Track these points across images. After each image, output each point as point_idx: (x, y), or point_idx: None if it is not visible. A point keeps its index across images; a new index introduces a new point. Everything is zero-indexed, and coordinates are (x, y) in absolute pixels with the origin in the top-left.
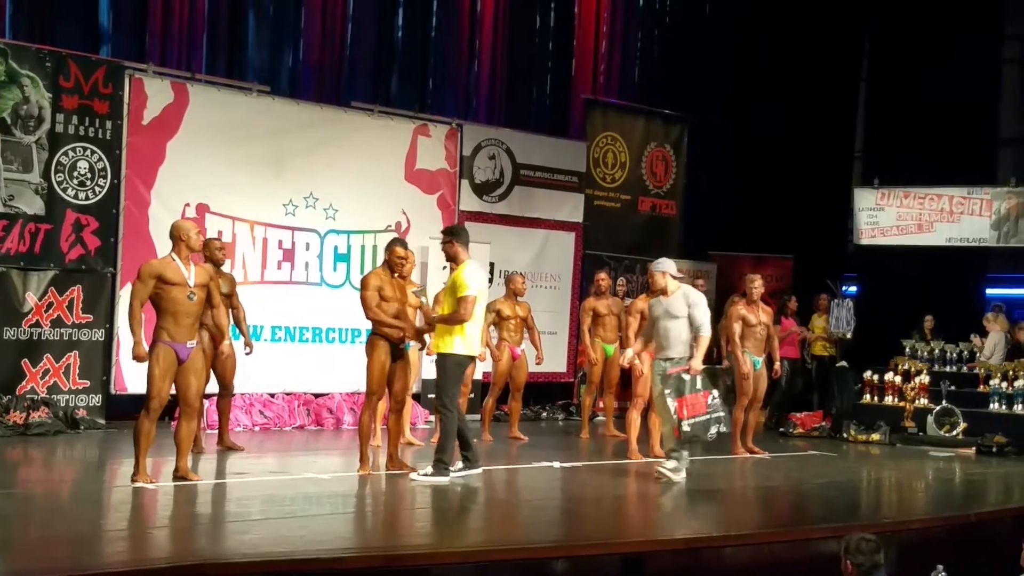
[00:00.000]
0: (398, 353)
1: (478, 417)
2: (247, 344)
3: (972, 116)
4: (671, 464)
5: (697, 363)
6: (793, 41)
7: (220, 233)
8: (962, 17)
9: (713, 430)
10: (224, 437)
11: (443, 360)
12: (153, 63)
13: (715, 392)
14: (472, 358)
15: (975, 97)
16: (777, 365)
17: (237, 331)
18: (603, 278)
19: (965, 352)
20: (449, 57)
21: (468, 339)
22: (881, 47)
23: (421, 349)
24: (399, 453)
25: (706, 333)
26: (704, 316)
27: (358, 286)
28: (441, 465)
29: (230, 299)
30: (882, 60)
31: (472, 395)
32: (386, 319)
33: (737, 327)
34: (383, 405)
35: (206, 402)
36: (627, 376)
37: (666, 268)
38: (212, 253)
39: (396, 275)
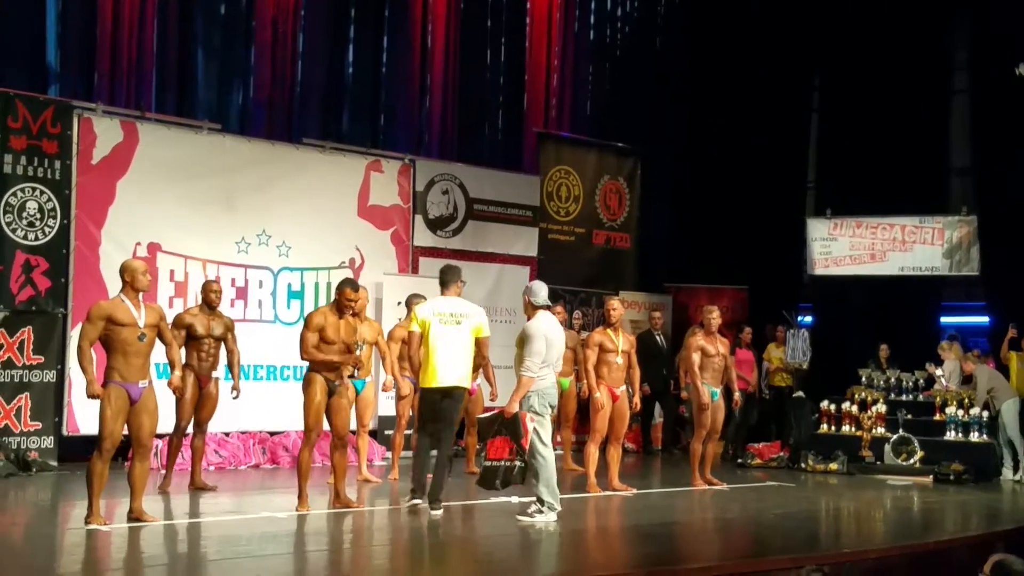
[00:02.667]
0: (334, 390)
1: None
2: (235, 387)
3: (923, 146)
4: (533, 508)
5: (511, 406)
6: (744, 73)
7: (172, 272)
8: (911, 48)
9: (499, 481)
10: (196, 478)
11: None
12: (102, 102)
13: (520, 445)
14: (436, 390)
15: (925, 127)
16: (737, 396)
17: (229, 373)
18: (559, 311)
19: (921, 380)
20: (400, 92)
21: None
22: (831, 78)
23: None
24: (346, 490)
25: (525, 373)
26: (527, 354)
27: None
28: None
29: (224, 341)
30: (833, 91)
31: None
32: (321, 357)
33: (696, 358)
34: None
35: (158, 442)
36: (585, 409)
37: (529, 293)
38: (207, 296)
39: (346, 315)
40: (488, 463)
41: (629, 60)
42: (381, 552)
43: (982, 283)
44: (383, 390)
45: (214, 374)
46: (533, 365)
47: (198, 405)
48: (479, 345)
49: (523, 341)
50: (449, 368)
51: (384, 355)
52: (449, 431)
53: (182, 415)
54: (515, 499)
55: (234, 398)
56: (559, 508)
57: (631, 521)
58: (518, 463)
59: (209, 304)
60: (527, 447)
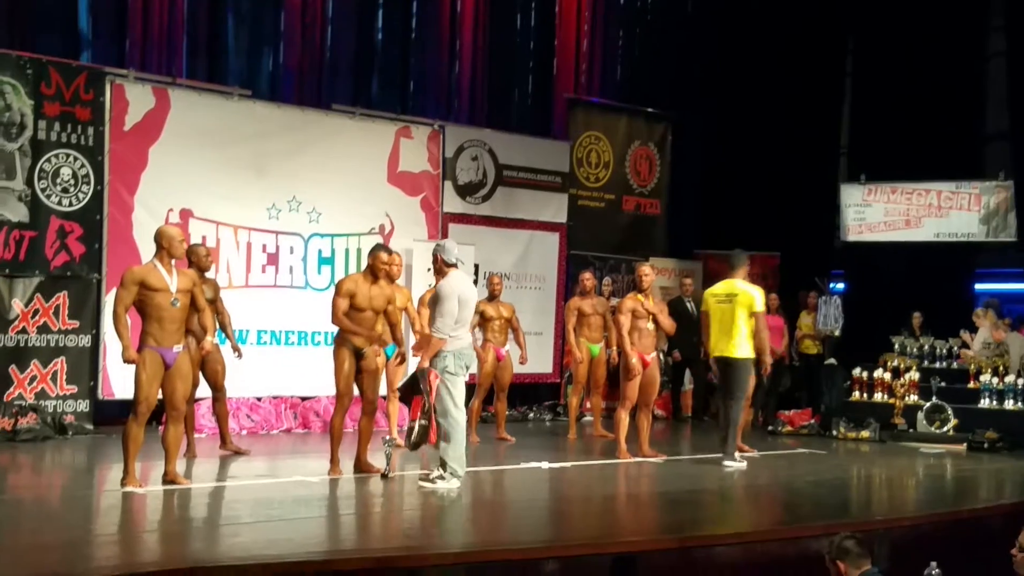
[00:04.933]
0: (364, 356)
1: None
2: (235, 348)
3: (959, 110)
4: (435, 473)
5: (421, 364)
6: (777, 36)
7: (204, 238)
8: (946, 10)
9: (412, 441)
10: (227, 440)
11: None
12: (134, 69)
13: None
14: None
15: (961, 91)
16: (767, 363)
17: (223, 336)
18: (588, 278)
19: (955, 348)
20: (430, 58)
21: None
22: (866, 42)
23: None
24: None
25: (436, 334)
26: (438, 314)
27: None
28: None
29: (214, 304)
30: (867, 55)
31: None
32: (350, 327)
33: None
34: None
35: (198, 405)
36: (615, 376)
37: (440, 251)
38: (198, 259)
39: (379, 280)
40: (409, 423)
41: (660, 25)
42: (411, 516)
43: (1019, 249)
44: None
45: (212, 338)
46: (444, 326)
47: (207, 372)
48: None
49: (434, 301)
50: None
51: (414, 321)
52: None
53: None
54: (545, 465)
55: (237, 358)
56: (462, 474)
57: (661, 487)
58: (420, 422)
59: (200, 268)
60: (433, 406)
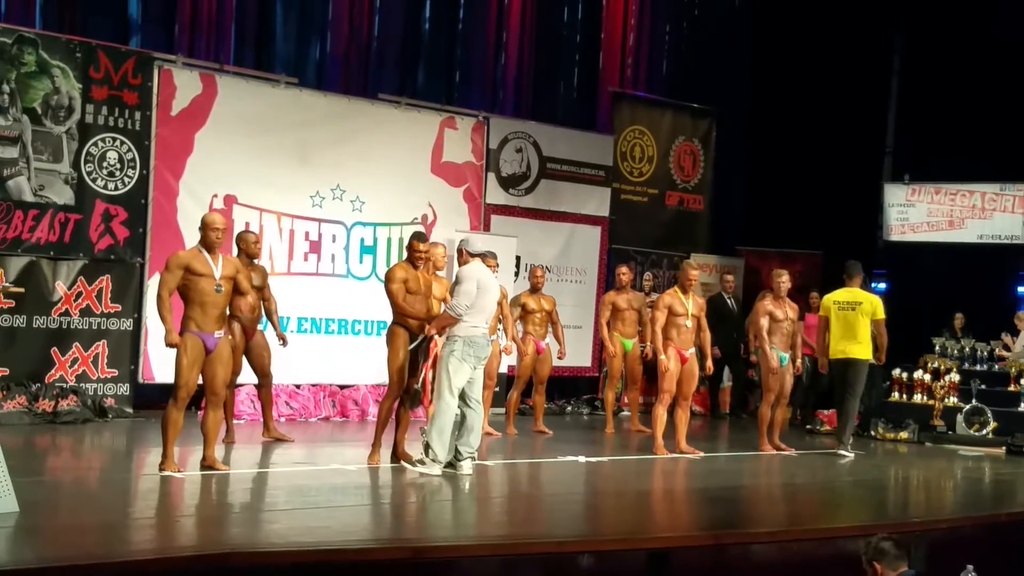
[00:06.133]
0: (419, 344)
1: (503, 411)
2: (280, 336)
3: (1005, 112)
4: (417, 456)
5: (430, 330)
6: (824, 35)
7: (247, 225)
8: (995, 11)
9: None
10: (270, 427)
11: None
12: (182, 54)
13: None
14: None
15: (1008, 93)
16: (799, 362)
17: (269, 323)
18: (624, 272)
19: (996, 350)
20: (476, 49)
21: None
22: (913, 41)
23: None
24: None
25: (448, 310)
26: (455, 294)
27: (383, 278)
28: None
29: (262, 291)
30: (914, 54)
31: (497, 389)
32: (412, 312)
33: (764, 322)
34: None
35: (238, 391)
36: (653, 371)
37: (465, 244)
38: (247, 246)
39: (420, 268)
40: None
41: (706, 20)
42: (447, 507)
43: None
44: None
45: (258, 326)
46: (458, 305)
47: (252, 358)
48: None
49: (455, 283)
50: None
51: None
52: None
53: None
54: (582, 458)
55: (282, 346)
56: (444, 461)
57: (698, 484)
58: (416, 387)
59: (249, 255)
60: (427, 373)
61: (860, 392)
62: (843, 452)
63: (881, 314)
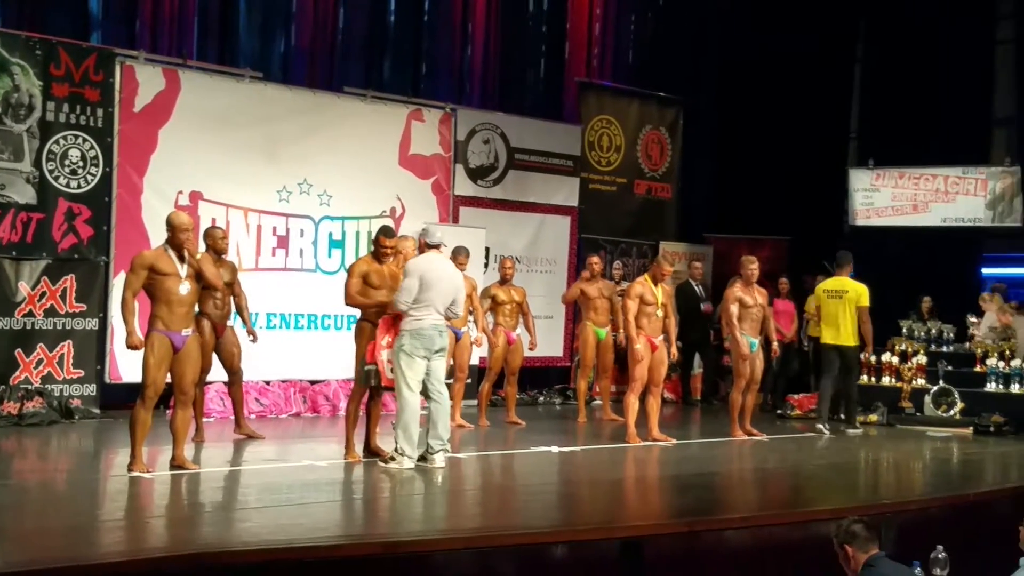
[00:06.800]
0: None
1: (475, 402)
2: (250, 332)
3: (967, 97)
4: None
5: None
6: (788, 22)
7: (214, 220)
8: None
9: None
10: (241, 424)
11: None
12: (144, 50)
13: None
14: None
15: (969, 78)
16: (775, 346)
17: (239, 319)
18: (596, 262)
19: (970, 329)
20: (442, 41)
21: None
22: (876, 28)
23: None
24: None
25: (393, 306)
26: (399, 288)
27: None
28: None
29: (231, 287)
30: (878, 41)
31: (469, 380)
32: (365, 302)
33: (734, 309)
34: None
35: (207, 389)
36: (624, 360)
37: (424, 234)
38: (214, 242)
39: (386, 263)
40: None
41: (671, 8)
42: (420, 501)
43: None
44: None
45: (228, 322)
46: (399, 300)
47: (223, 355)
48: None
49: (403, 276)
50: None
51: None
52: None
53: (203, 365)
54: (555, 448)
55: (252, 342)
56: (415, 456)
57: (671, 471)
58: (368, 366)
59: (216, 251)
60: (380, 357)
61: (857, 375)
62: (851, 431)
63: (864, 302)
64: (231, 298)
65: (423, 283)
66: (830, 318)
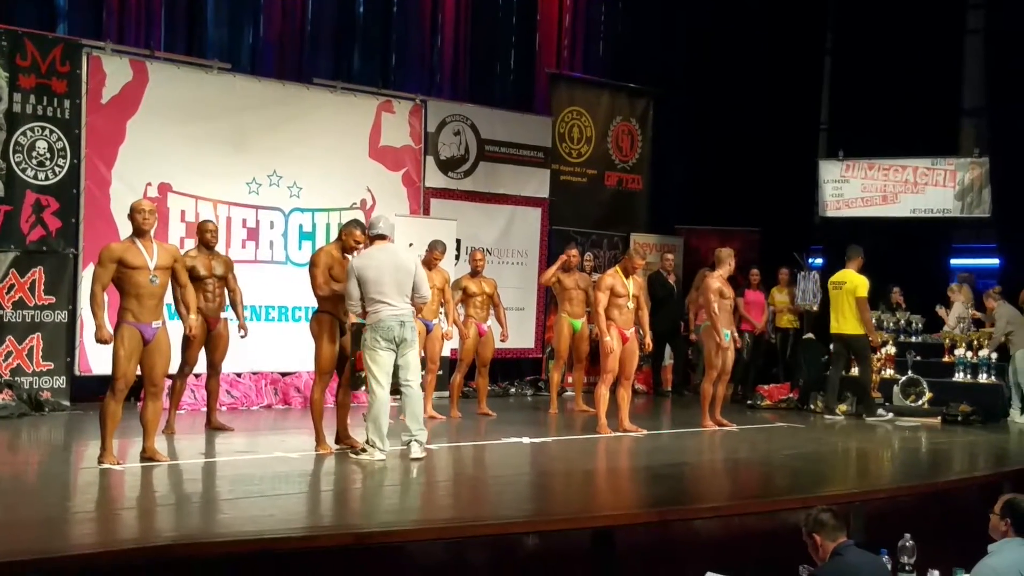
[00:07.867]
0: (344, 329)
1: (447, 394)
2: (241, 327)
3: (936, 87)
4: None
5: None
6: (758, 13)
7: (183, 212)
8: None
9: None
10: (212, 418)
11: None
12: (111, 40)
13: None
14: None
15: (938, 68)
16: (745, 337)
17: (233, 313)
18: (574, 254)
19: (935, 321)
20: (412, 32)
21: None
22: (845, 19)
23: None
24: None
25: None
26: (344, 294)
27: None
28: None
29: (226, 280)
30: (846, 32)
31: (440, 372)
32: (337, 288)
33: (716, 301)
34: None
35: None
36: (596, 351)
37: (369, 229)
38: (204, 236)
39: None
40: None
41: (641, 0)
42: (391, 492)
43: (993, 225)
44: None
45: (222, 315)
46: (349, 307)
47: (210, 347)
48: None
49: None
50: None
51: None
52: None
53: (190, 357)
54: (526, 439)
55: (242, 337)
56: (385, 448)
57: (642, 462)
58: (359, 373)
59: (207, 245)
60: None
61: (870, 361)
62: (871, 419)
63: (861, 292)
64: (225, 291)
65: (363, 281)
66: (833, 308)
